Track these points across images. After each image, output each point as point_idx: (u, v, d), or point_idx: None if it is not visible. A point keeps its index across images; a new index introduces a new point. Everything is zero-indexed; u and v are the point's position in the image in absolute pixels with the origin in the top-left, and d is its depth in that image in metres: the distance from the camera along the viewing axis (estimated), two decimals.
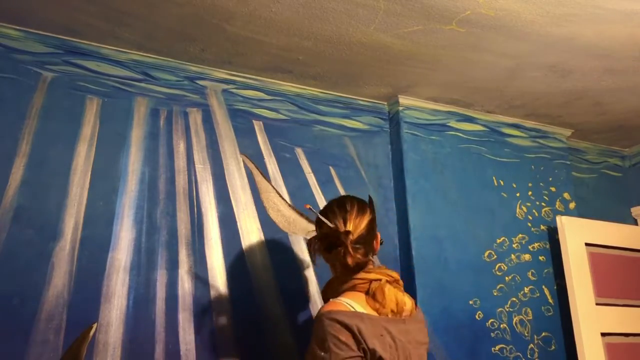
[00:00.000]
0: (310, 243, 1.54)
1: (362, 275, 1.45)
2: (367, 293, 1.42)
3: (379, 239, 1.58)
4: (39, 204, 1.74)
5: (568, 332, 2.41)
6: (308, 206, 1.58)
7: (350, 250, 1.43)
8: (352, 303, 1.39)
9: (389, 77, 2.26)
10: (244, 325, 1.91)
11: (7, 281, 1.63)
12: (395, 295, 1.42)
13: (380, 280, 1.44)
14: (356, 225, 1.48)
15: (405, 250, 2.26)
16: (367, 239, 1.50)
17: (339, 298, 1.42)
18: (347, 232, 1.45)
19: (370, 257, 1.50)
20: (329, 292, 1.51)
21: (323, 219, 1.50)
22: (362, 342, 1.31)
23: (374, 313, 1.39)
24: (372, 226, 1.53)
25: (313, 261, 1.63)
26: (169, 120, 2.03)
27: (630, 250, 2.65)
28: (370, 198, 2.26)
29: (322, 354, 1.30)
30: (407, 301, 1.45)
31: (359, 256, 1.45)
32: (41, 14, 1.79)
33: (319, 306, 2.03)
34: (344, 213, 1.50)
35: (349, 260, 1.44)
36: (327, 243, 1.50)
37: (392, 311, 1.40)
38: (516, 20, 1.86)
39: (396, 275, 1.49)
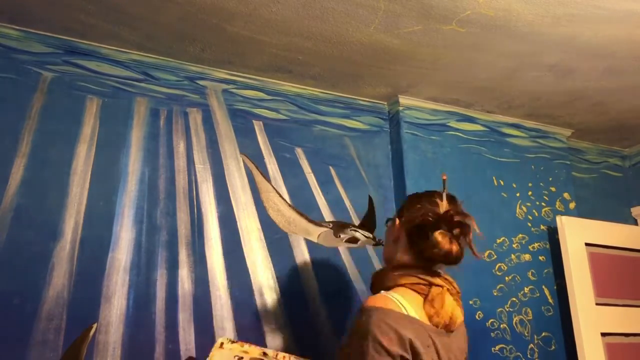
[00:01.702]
0: (411, 220, 1.39)
1: (425, 276, 1.33)
2: (425, 297, 1.31)
3: None
4: (39, 204, 1.74)
5: (568, 332, 2.41)
6: (445, 177, 1.46)
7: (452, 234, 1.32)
8: (404, 302, 1.27)
9: (389, 77, 2.26)
10: (244, 325, 1.91)
11: (7, 281, 1.63)
12: (453, 309, 1.31)
13: (442, 287, 1.33)
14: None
15: None
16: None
17: (390, 293, 1.30)
18: (447, 213, 1.35)
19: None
20: (385, 280, 1.36)
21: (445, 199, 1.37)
22: (409, 351, 1.20)
23: (426, 319, 1.29)
24: None
25: (379, 242, 1.47)
26: (169, 120, 2.03)
27: (630, 250, 2.64)
28: (370, 197, 2.28)
29: (359, 353, 1.18)
30: (460, 316, 1.34)
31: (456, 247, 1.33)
32: (41, 14, 1.79)
33: (320, 306, 2.04)
34: (431, 197, 1.41)
35: (453, 247, 1.32)
36: (415, 229, 1.37)
37: (445, 324, 1.30)
38: (516, 20, 1.86)
39: (458, 287, 1.39)
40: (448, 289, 1.35)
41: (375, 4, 1.75)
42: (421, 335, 1.23)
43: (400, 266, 1.38)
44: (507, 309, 2.35)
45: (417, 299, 1.31)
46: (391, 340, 1.18)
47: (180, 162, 2.00)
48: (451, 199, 1.41)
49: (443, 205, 1.37)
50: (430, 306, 1.30)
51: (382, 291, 1.33)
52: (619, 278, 2.56)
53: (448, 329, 1.31)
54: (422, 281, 1.33)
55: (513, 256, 2.46)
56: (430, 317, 1.29)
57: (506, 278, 2.40)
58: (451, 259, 1.34)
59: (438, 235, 1.32)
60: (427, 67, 2.18)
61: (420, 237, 1.36)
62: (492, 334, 2.28)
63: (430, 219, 1.35)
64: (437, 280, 1.34)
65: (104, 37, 1.93)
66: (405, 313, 1.25)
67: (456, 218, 1.34)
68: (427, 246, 1.33)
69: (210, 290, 1.89)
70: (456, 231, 1.35)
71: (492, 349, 2.27)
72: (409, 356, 1.20)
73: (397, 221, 1.45)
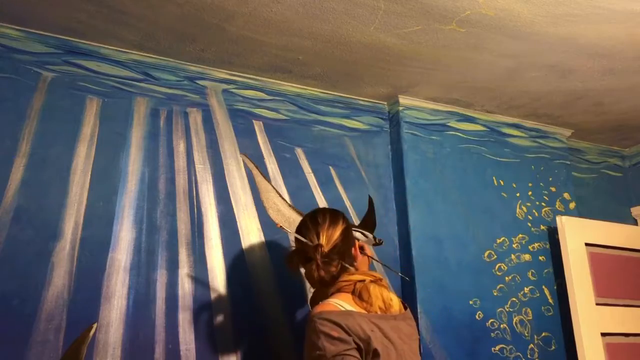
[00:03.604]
0: (289, 257, 1.62)
1: (345, 277, 1.49)
2: (352, 293, 1.47)
3: (357, 246, 1.64)
4: (39, 204, 1.74)
5: (568, 332, 2.41)
6: (279, 225, 1.70)
7: (320, 264, 1.49)
8: (341, 303, 1.42)
9: (389, 77, 2.26)
10: (244, 325, 1.91)
11: (7, 281, 1.63)
12: (380, 293, 1.46)
13: (364, 280, 1.48)
14: (329, 237, 1.53)
15: (405, 250, 2.27)
16: (344, 248, 1.55)
17: (327, 300, 1.45)
18: (317, 246, 1.50)
19: (349, 266, 1.53)
20: (317, 298, 1.54)
21: (298, 236, 1.57)
22: (354, 337, 1.33)
23: (363, 311, 1.43)
24: (346, 235, 1.57)
25: (292, 274, 1.77)
26: (169, 120, 2.03)
27: (630, 250, 2.64)
28: (370, 198, 2.28)
29: (317, 352, 1.31)
30: (394, 297, 1.50)
31: (332, 269, 1.51)
32: (41, 14, 1.79)
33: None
34: (316, 226, 1.55)
35: (321, 273, 1.50)
36: (303, 257, 1.57)
37: (380, 308, 1.44)
38: (516, 20, 1.86)
39: (379, 275, 1.54)
40: (371, 280, 1.48)
41: (375, 4, 1.75)
42: (362, 322, 1.36)
43: (330, 280, 1.52)
44: (507, 309, 2.35)
45: (349, 297, 1.46)
46: (339, 331, 1.32)
47: (180, 162, 2.00)
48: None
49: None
50: (360, 299, 1.45)
51: (320, 301, 1.47)
52: (619, 278, 2.56)
53: (389, 311, 1.46)
54: (345, 283, 1.48)
55: (513, 256, 2.46)
56: (365, 309, 1.43)
57: (506, 278, 2.40)
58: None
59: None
60: (427, 67, 2.18)
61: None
62: (492, 334, 2.28)
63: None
64: (357, 277, 1.49)
65: (104, 37, 1.93)
66: (344, 309, 1.39)
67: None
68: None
69: (210, 290, 1.89)
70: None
71: (492, 349, 2.27)
72: (359, 341, 1.33)
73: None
